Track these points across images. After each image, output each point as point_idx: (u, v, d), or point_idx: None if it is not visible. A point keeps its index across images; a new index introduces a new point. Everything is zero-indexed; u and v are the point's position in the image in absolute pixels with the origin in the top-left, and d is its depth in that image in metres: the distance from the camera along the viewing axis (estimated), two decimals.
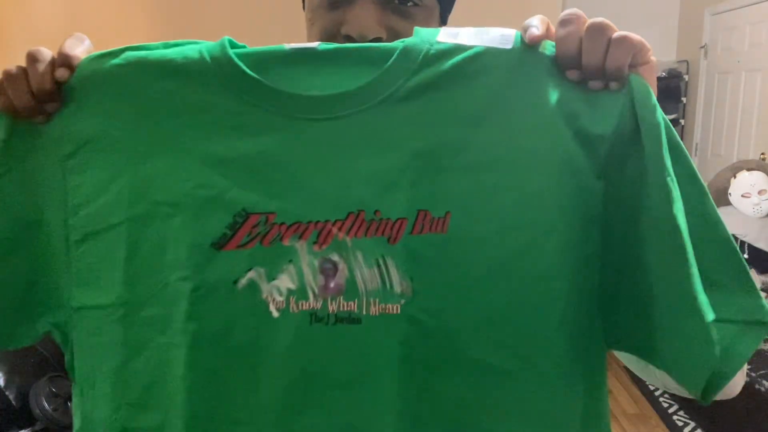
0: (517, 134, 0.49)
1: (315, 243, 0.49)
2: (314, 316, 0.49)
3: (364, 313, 0.49)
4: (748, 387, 2.14)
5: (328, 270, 0.49)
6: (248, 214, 0.49)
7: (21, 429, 1.56)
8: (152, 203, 0.51)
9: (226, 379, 0.50)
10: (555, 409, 0.50)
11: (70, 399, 1.59)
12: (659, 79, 4.59)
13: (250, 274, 0.50)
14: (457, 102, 0.49)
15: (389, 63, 0.50)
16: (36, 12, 4.78)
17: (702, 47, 4.65)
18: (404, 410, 0.49)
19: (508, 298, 0.49)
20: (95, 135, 0.52)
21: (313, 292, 0.49)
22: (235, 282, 0.50)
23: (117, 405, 0.52)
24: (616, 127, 0.48)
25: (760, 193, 2.96)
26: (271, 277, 0.50)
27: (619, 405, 2.74)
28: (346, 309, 0.49)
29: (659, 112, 0.47)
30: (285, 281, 0.49)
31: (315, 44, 0.52)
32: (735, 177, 3.06)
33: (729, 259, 0.46)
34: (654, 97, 0.48)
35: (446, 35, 0.51)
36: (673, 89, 4.90)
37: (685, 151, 0.48)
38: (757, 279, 2.43)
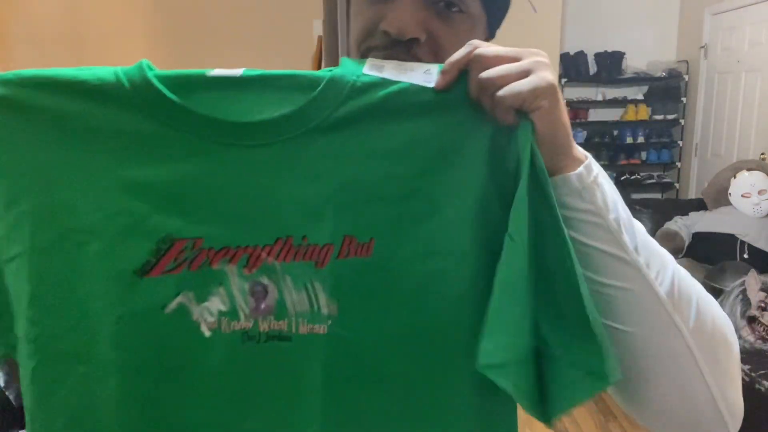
0: (435, 168, 0.51)
1: (245, 267, 0.50)
2: (246, 335, 0.51)
3: (294, 332, 0.51)
4: (748, 387, 2.15)
5: (259, 292, 0.51)
6: (173, 240, 0.50)
7: (21, 429, 1.56)
8: (61, 232, 0.50)
9: (159, 403, 0.51)
10: (465, 411, 0.55)
11: None
12: (659, 79, 4.59)
13: (179, 299, 0.50)
14: (381, 136, 0.51)
15: (315, 93, 0.51)
16: (36, 12, 4.78)
17: (702, 47, 4.65)
18: (328, 419, 0.52)
19: (425, 317, 0.52)
20: None
21: (245, 313, 0.51)
22: (163, 307, 0.50)
23: None
24: (516, 164, 0.51)
25: (760, 193, 2.96)
26: (201, 300, 0.50)
27: (619, 405, 2.73)
28: (276, 328, 0.51)
29: (526, 165, 0.50)
30: (216, 303, 0.50)
31: (239, 71, 0.51)
32: (735, 177, 3.06)
33: (577, 311, 0.50)
34: (528, 148, 0.50)
35: (371, 68, 0.52)
36: (673, 89, 4.90)
37: (553, 204, 0.50)
38: (758, 279, 2.43)
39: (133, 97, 0.50)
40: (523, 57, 0.51)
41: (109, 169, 0.50)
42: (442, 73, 0.51)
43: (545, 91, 0.49)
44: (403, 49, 0.58)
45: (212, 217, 0.50)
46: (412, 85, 0.51)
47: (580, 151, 0.54)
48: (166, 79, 0.51)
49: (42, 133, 0.50)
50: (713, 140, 4.63)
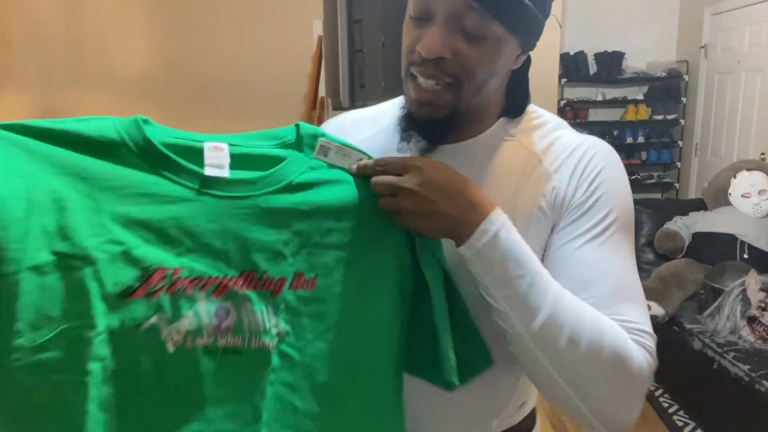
0: (366, 226, 0.69)
1: (213, 293, 0.62)
2: (206, 349, 0.61)
3: (246, 347, 0.63)
4: (748, 387, 2.15)
5: (222, 314, 0.62)
6: (155, 269, 0.60)
7: None
8: (57, 255, 0.56)
9: (129, 407, 0.60)
10: (381, 412, 0.71)
11: None
12: (659, 79, 4.58)
13: (153, 319, 0.59)
14: (327, 200, 0.68)
15: (281, 165, 0.68)
16: (36, 12, 4.78)
17: (702, 47, 4.65)
18: (269, 420, 0.64)
19: (354, 339, 0.68)
20: None
21: (207, 331, 0.61)
22: (138, 326, 0.59)
23: None
24: None
25: (760, 193, 2.96)
26: (173, 321, 0.60)
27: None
28: (232, 344, 0.62)
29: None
30: (184, 324, 0.60)
31: (226, 174, 0.65)
32: (735, 177, 3.06)
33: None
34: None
35: (319, 152, 0.70)
36: (673, 89, 4.89)
37: (437, 261, 0.71)
38: (758, 279, 2.43)
39: (135, 152, 0.62)
40: (403, 172, 0.67)
41: (107, 205, 0.59)
42: (360, 168, 0.70)
43: (399, 201, 0.67)
44: (432, 65, 0.69)
45: (190, 252, 0.62)
46: (349, 168, 0.71)
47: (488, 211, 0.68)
48: (162, 135, 0.64)
49: (49, 169, 0.59)
50: (713, 140, 4.63)
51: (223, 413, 0.62)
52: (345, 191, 0.69)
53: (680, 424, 2.51)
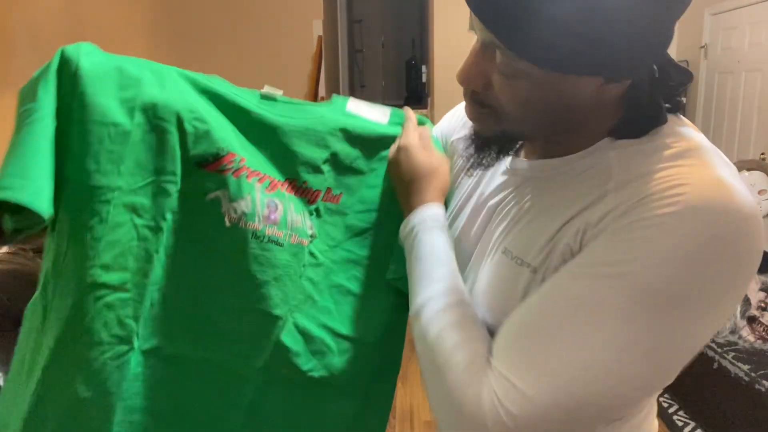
0: (381, 164, 0.85)
1: (266, 188, 0.74)
2: (254, 233, 0.72)
3: (287, 241, 0.75)
4: (748, 387, 2.15)
5: (272, 207, 0.73)
6: (228, 151, 0.71)
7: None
8: (157, 117, 0.67)
9: (185, 263, 0.72)
10: (381, 319, 0.83)
11: None
12: None
13: (217, 192, 0.70)
14: (359, 132, 0.83)
15: (327, 107, 0.84)
16: (36, 12, 4.78)
17: (702, 47, 4.65)
18: (294, 306, 0.78)
19: (365, 250, 0.84)
20: None
21: (258, 217, 0.72)
22: (205, 194, 0.70)
23: (90, 264, 0.66)
24: None
25: (760, 193, 2.96)
26: (232, 199, 0.71)
27: None
28: (276, 235, 0.74)
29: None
30: (241, 205, 0.71)
31: (280, 92, 0.81)
32: None
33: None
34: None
35: (352, 105, 0.85)
36: None
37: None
38: (757, 279, 2.43)
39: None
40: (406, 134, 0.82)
41: (203, 96, 0.73)
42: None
43: (393, 159, 0.81)
44: (468, 92, 0.64)
45: (254, 150, 0.75)
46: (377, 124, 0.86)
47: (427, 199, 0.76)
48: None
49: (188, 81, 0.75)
50: (713, 140, 4.61)
51: (259, 294, 0.73)
52: (376, 130, 0.84)
53: (680, 423, 2.50)
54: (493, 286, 0.66)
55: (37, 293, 0.70)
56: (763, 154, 3.94)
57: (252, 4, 4.65)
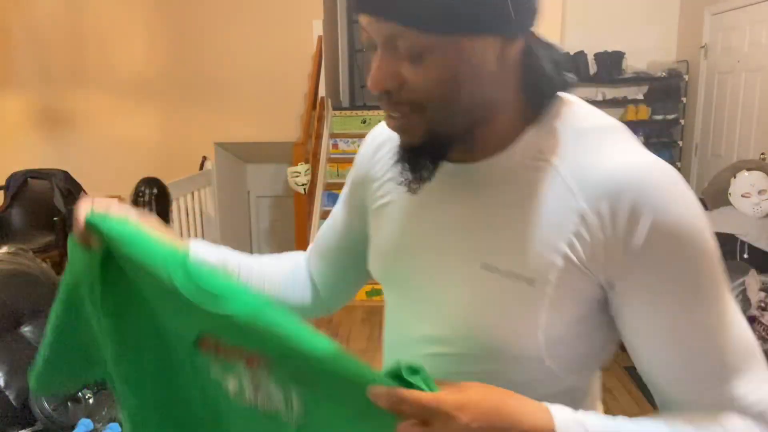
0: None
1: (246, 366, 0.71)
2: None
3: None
4: None
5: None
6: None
7: (21, 429, 1.56)
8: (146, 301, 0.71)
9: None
10: None
11: (69, 399, 1.59)
12: (659, 79, 4.53)
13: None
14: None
15: None
16: (36, 12, 4.78)
17: (702, 47, 4.65)
18: None
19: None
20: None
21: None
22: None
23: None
24: None
25: (760, 193, 2.96)
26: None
27: (619, 405, 2.73)
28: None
29: None
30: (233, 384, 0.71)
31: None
32: (735, 177, 3.06)
33: None
34: None
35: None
36: (673, 89, 4.90)
37: None
38: (758, 279, 2.43)
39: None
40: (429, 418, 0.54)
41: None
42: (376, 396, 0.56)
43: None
44: (384, 98, 0.62)
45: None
46: None
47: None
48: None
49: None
50: (713, 140, 4.63)
51: None
52: None
53: None
54: (483, 301, 0.65)
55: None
56: (763, 154, 3.94)
57: (252, 4, 4.65)
